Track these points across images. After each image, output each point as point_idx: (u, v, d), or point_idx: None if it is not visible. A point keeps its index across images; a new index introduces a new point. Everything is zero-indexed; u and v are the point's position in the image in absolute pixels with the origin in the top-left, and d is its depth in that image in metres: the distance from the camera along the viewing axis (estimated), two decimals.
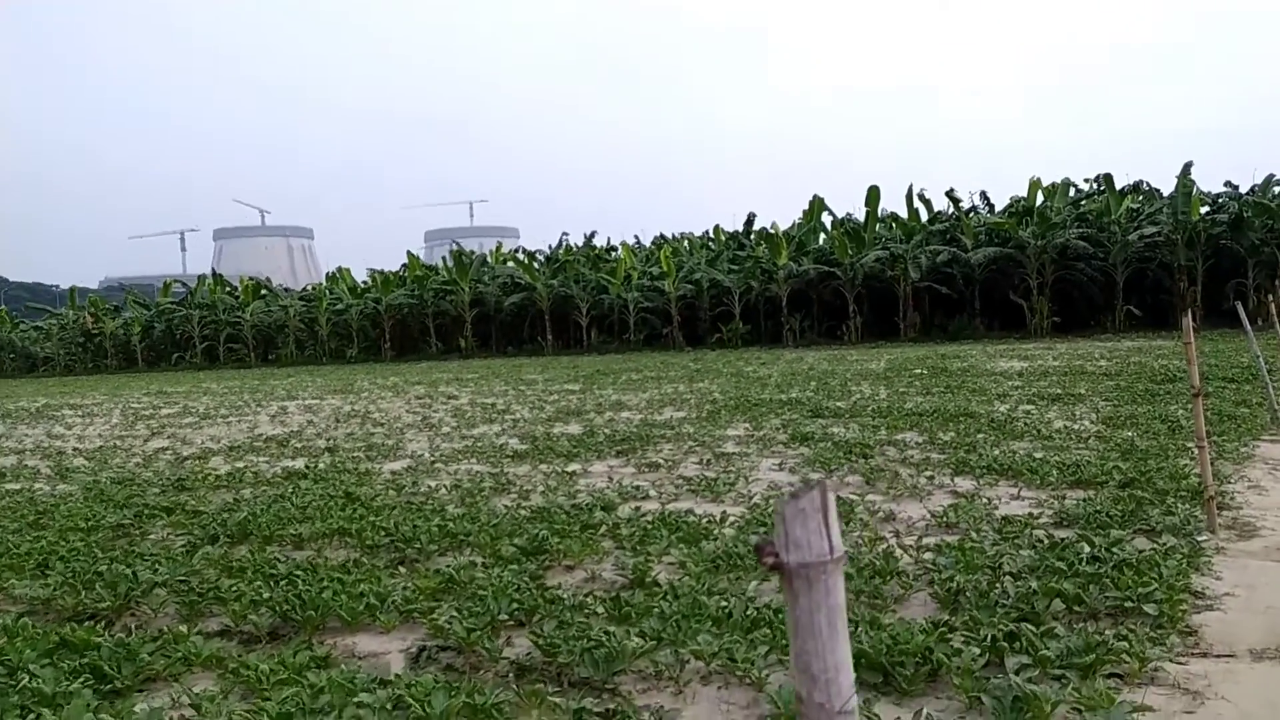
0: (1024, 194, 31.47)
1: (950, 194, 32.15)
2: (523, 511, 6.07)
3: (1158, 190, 30.01)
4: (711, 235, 37.48)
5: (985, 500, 6.19)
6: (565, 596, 4.12)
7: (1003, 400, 12.44)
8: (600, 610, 3.93)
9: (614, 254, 39.31)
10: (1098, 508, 5.65)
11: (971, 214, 32.35)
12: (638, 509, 6.07)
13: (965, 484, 6.81)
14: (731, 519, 5.71)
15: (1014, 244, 28.88)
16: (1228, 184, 29.46)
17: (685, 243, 38.82)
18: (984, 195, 33.44)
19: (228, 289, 44.18)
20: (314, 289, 42.18)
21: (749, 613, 3.74)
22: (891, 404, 12.34)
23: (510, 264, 37.65)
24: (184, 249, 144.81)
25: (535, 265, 37.26)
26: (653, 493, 6.79)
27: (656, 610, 3.82)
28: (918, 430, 9.75)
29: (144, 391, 24.27)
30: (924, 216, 32.83)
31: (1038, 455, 7.82)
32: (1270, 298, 16.44)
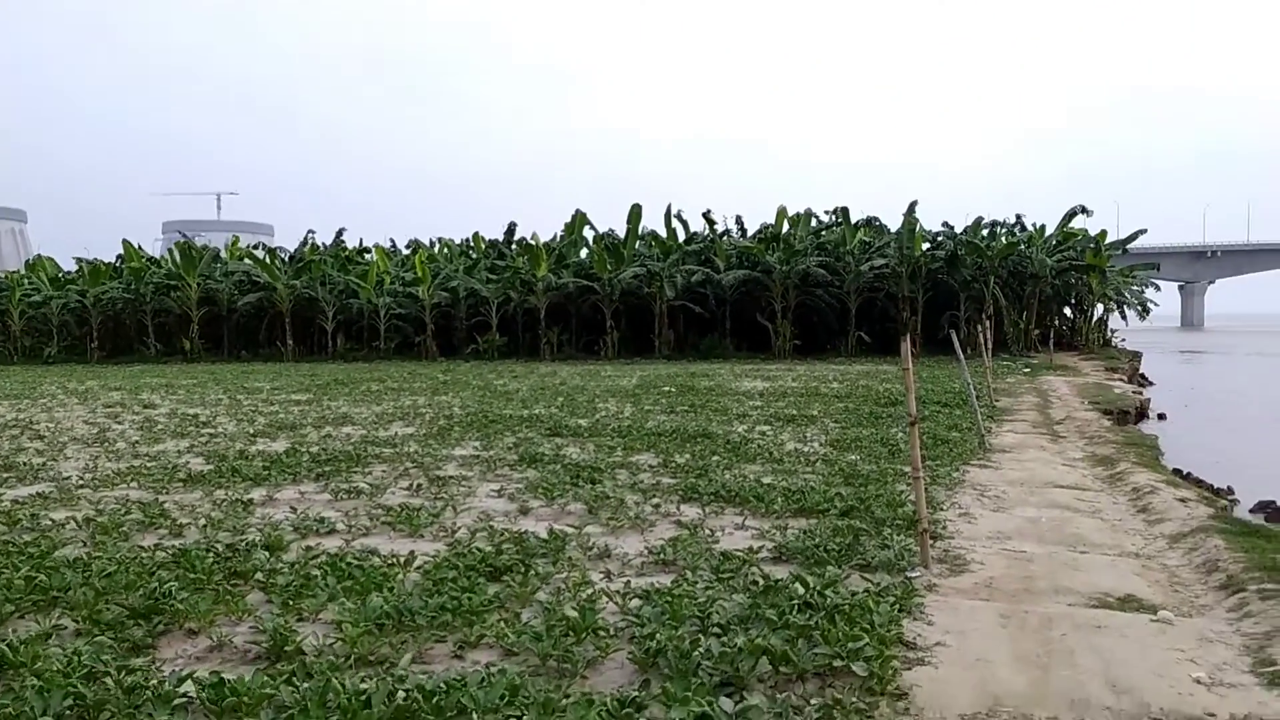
0: (773, 221, 32.97)
1: (706, 215, 33.09)
2: (160, 554, 4.88)
3: (886, 226, 32.46)
4: (471, 243, 36.29)
5: (708, 532, 5.77)
6: (154, 683, 3.10)
7: (742, 420, 12.46)
8: (196, 699, 2.96)
9: (367, 256, 37.09)
10: (817, 540, 5.36)
11: (725, 237, 33.45)
12: (311, 549, 5.08)
13: (692, 512, 6.38)
14: (422, 560, 4.87)
15: (762, 268, 30.09)
16: (945, 224, 32.39)
17: (444, 249, 37.34)
18: (739, 220, 34.74)
19: None
20: (7, 276, 36.44)
21: (394, 699, 2.92)
22: (634, 422, 11.98)
23: (247, 260, 34.42)
24: None
25: (276, 264, 34.32)
26: (341, 525, 5.80)
27: (271, 700, 2.91)
28: (654, 451, 9.38)
29: None
30: (682, 236, 33.54)
31: (767, 480, 7.61)
32: (979, 329, 17.96)
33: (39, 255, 37.57)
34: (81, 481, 7.37)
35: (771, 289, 29.90)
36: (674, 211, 33.22)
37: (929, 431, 10.94)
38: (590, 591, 4.35)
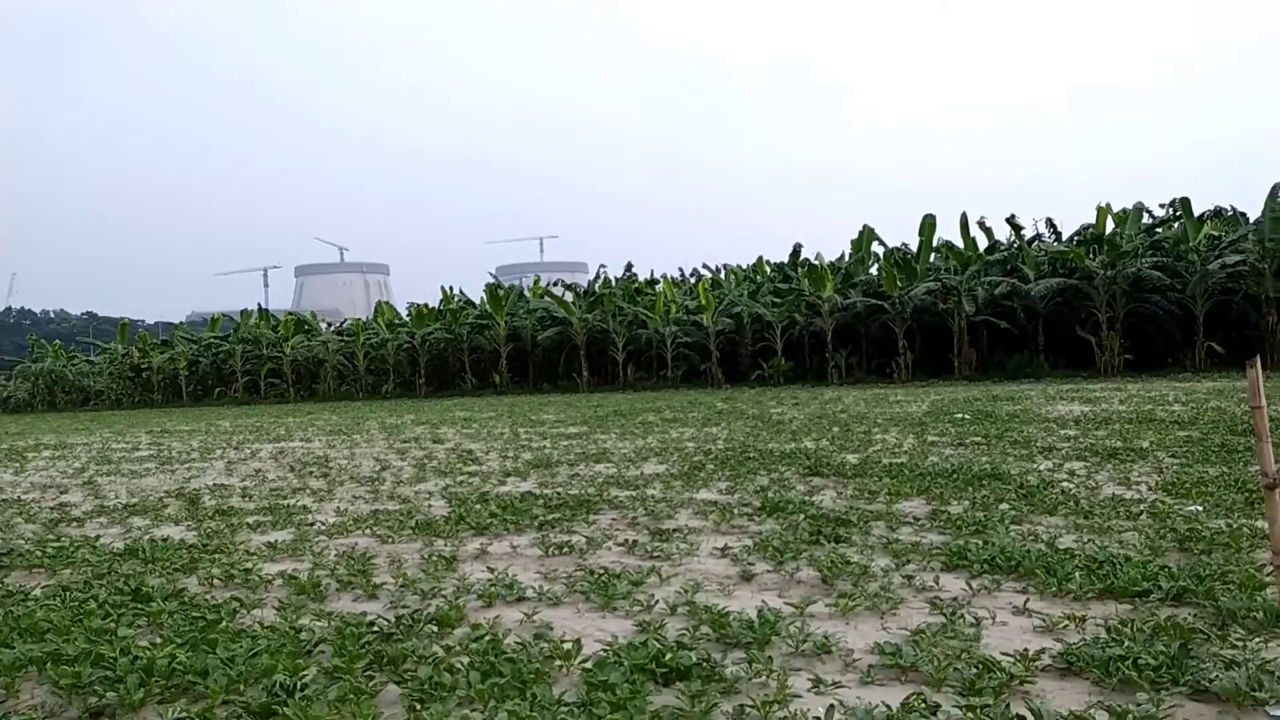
0: (1093, 221, 29.05)
1: (1011, 220, 29.95)
2: (319, 627, 4.51)
3: (1243, 215, 27.32)
4: (754, 267, 35.75)
5: (971, 619, 4.43)
6: None
7: (1047, 455, 10.49)
8: None
9: (657, 287, 37.88)
10: (1127, 643, 3.86)
11: (1035, 243, 30.04)
12: (481, 626, 4.47)
13: (955, 586, 5.03)
14: (594, 648, 4.07)
15: (1080, 275, 26.52)
16: None
17: (729, 275, 37.16)
18: (1050, 222, 31.10)
19: (273, 324, 44.02)
20: (354, 324, 41.64)
21: None
22: (912, 459, 10.49)
23: (547, 298, 36.46)
24: (266, 284, 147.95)
25: (571, 299, 36.02)
26: (532, 591, 5.18)
27: None
28: (927, 497, 7.94)
29: (150, 429, 23.56)
30: (983, 245, 30.62)
31: (1066, 542, 5.99)
32: None
33: (379, 301, 42.49)
34: (324, 528, 7.47)
35: (1094, 297, 26.22)
36: (973, 219, 30.46)
37: None
38: (784, 715, 3.30)
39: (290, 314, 43.06)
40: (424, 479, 10.43)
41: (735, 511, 7.41)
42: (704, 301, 31.59)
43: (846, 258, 33.61)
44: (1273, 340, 24.51)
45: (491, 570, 5.63)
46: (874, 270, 31.73)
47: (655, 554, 6.01)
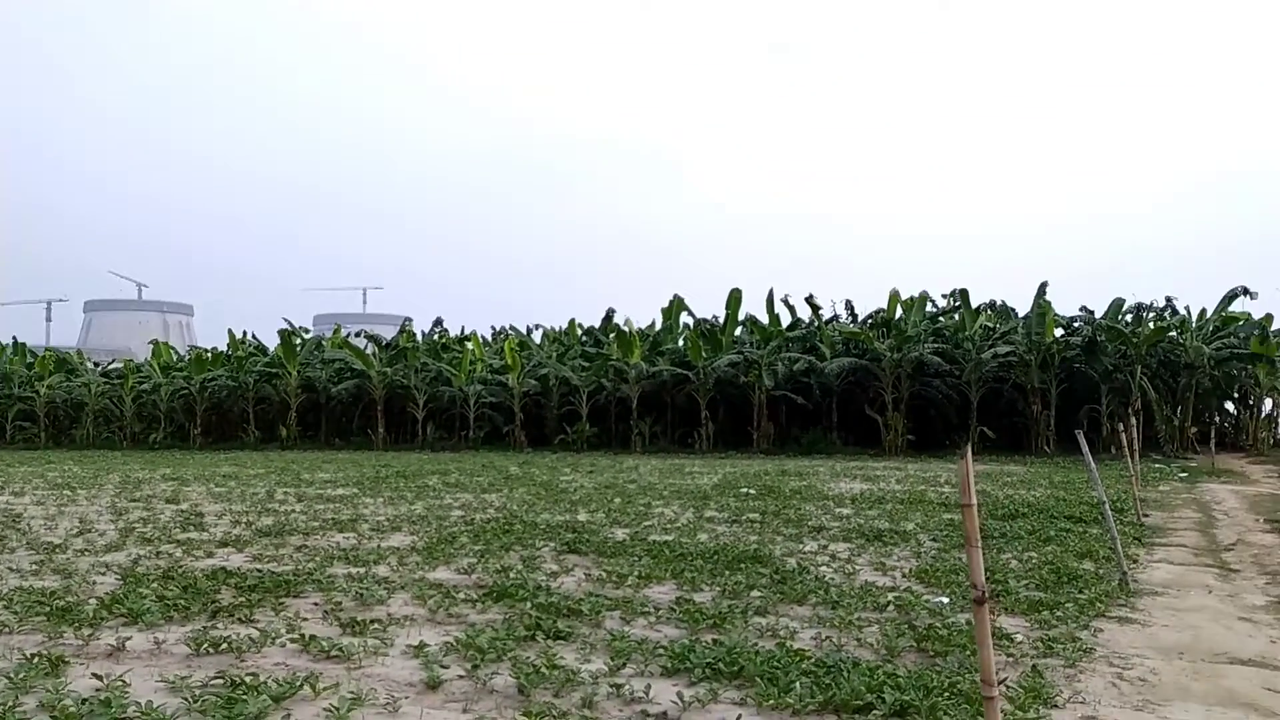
0: (884, 306, 30.57)
1: (810, 300, 31.05)
2: None
3: (1013, 309, 29.53)
4: (566, 330, 35.30)
5: None
6: None
7: (816, 536, 10.25)
8: None
9: (466, 344, 36.62)
10: None
11: (832, 323, 31.22)
12: None
13: (669, 696, 4.36)
14: None
15: (870, 356, 27.65)
16: (1083, 308, 29.22)
17: (544, 336, 36.51)
18: (849, 305, 32.44)
19: (28, 360, 39.23)
20: (124, 365, 37.70)
21: None
22: (681, 536, 9.97)
23: (345, 349, 34.38)
24: (49, 319, 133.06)
25: (373, 351, 34.16)
26: (135, 710, 4.06)
27: None
28: (679, 581, 7.35)
29: None
30: (786, 322, 31.54)
31: (802, 641, 5.49)
32: (1121, 426, 15.14)
33: (156, 341, 38.81)
34: None
35: (882, 378, 27.34)
36: (778, 296, 31.37)
37: (1051, 562, 8.48)
38: None
39: (49, 350, 38.51)
40: (120, 547, 8.87)
41: (460, 596, 6.50)
42: (510, 362, 30.71)
43: (657, 326, 33.82)
44: (1036, 428, 26.35)
45: (101, 678, 4.44)
46: (682, 340, 31.99)
47: (334, 654, 5.01)
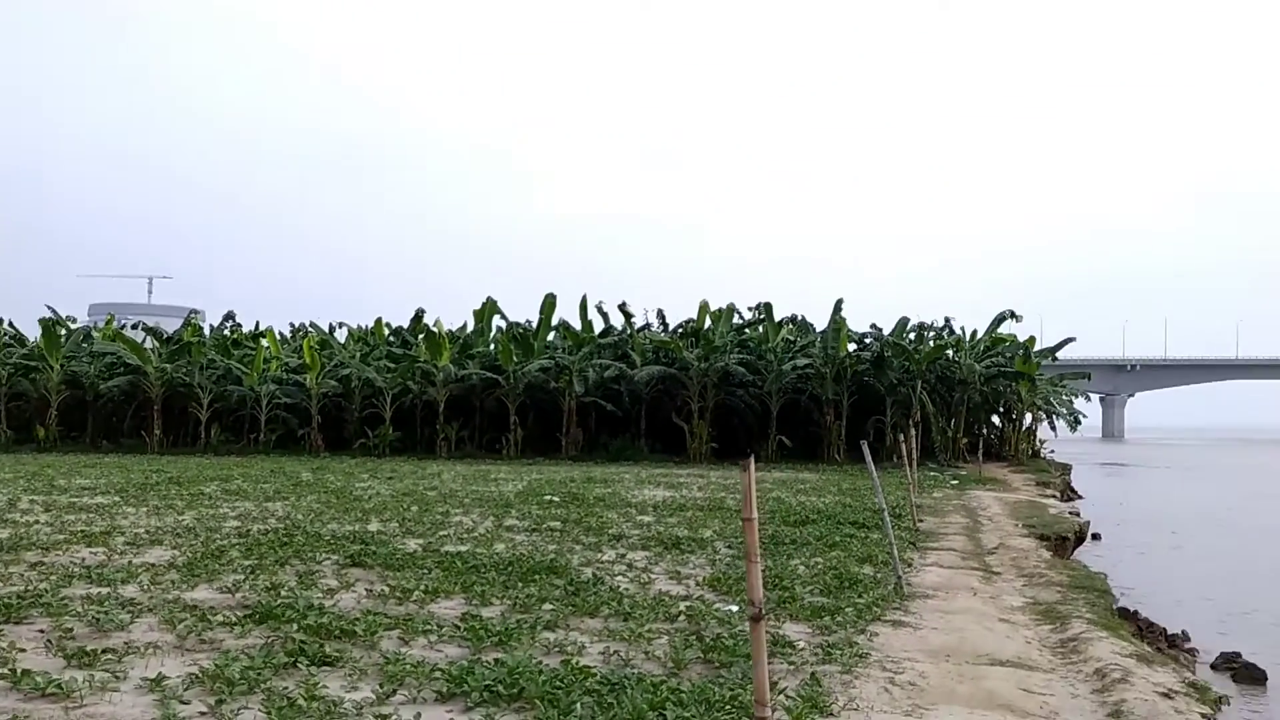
0: (694, 316, 31.31)
1: (623, 308, 31.31)
2: None
3: (811, 324, 31.06)
4: (372, 329, 33.82)
5: None
6: None
7: (616, 544, 10.18)
8: None
9: (261, 341, 34.30)
10: None
11: (644, 331, 31.65)
12: None
13: None
14: None
15: (679, 365, 28.23)
16: (873, 325, 31.14)
17: (344, 334, 34.80)
18: (660, 314, 33.00)
19: None
20: None
21: None
22: (477, 546, 9.61)
23: (119, 341, 31.30)
24: None
25: (152, 345, 31.35)
26: None
27: None
28: (468, 595, 7.02)
29: None
30: (598, 329, 31.66)
31: (590, 656, 5.34)
32: (902, 437, 16.17)
33: None
34: None
35: (689, 387, 27.97)
36: (593, 302, 31.41)
37: (835, 567, 8.80)
38: None
39: None
40: None
41: (218, 619, 5.88)
42: (309, 361, 29.02)
43: (469, 328, 33.07)
44: (829, 437, 27.80)
45: None
46: (493, 344, 31.40)
47: (50, 691, 4.34)
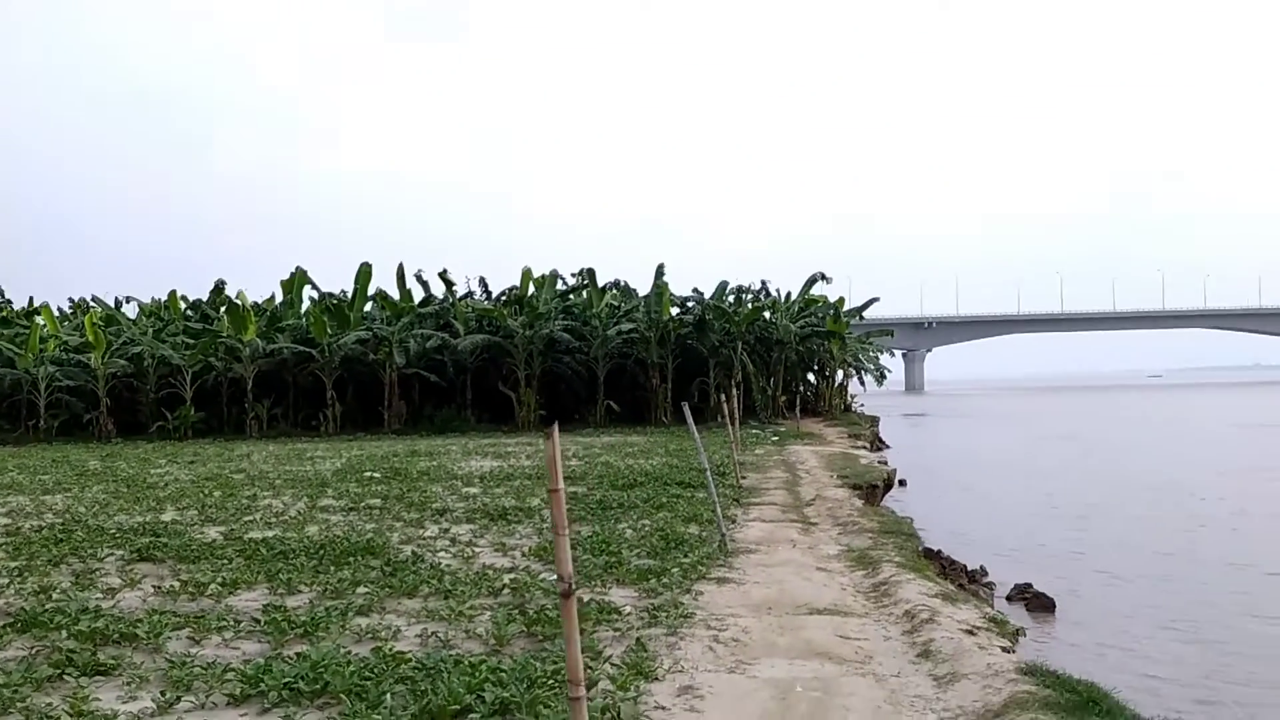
0: (518, 283, 30.81)
1: (444, 276, 30.38)
2: None
3: (634, 289, 31.30)
4: (166, 303, 31.16)
5: None
6: None
7: (439, 519, 9.80)
8: None
9: (36, 318, 30.90)
10: None
11: (466, 299, 30.86)
12: None
13: None
14: None
15: (504, 333, 27.74)
16: (694, 290, 31.73)
17: (134, 309, 31.94)
18: (482, 281, 32.26)
19: None
20: None
21: None
22: (287, 530, 8.99)
23: None
24: None
25: None
26: None
27: None
28: (273, 585, 6.49)
29: None
30: (418, 299, 30.58)
31: (408, 636, 5.04)
32: (724, 397, 16.55)
33: None
34: None
35: (515, 355, 27.56)
36: (411, 271, 30.27)
37: (662, 529, 8.83)
38: None
39: None
40: None
41: None
42: (93, 339, 26.39)
43: (278, 300, 31.12)
44: (656, 400, 28.20)
45: None
46: (305, 316, 29.70)
47: None
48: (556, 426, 2.78)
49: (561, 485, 2.80)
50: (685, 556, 7.53)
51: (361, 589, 6.36)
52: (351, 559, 7.36)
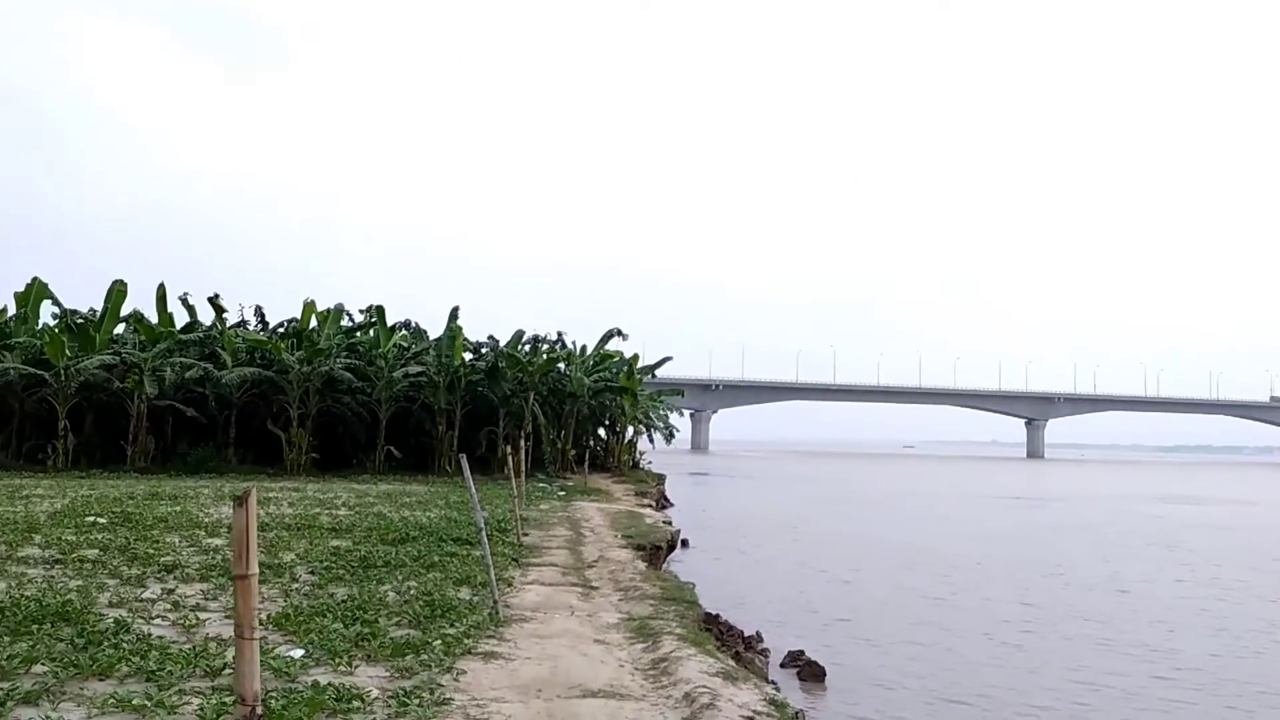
0: (298, 315, 28.75)
1: (215, 300, 27.88)
2: None
3: (425, 331, 30.10)
4: None
5: None
6: None
7: (165, 576, 8.46)
8: None
9: None
10: None
11: (239, 328, 28.41)
12: None
13: None
14: None
15: (278, 368, 25.64)
16: (490, 336, 30.98)
17: None
18: (259, 310, 29.87)
19: None
20: None
21: None
22: None
23: None
24: None
25: None
26: None
27: None
28: None
29: None
30: (182, 323, 27.81)
31: None
32: (509, 449, 15.88)
33: None
34: None
35: (288, 392, 25.49)
36: (175, 293, 27.52)
37: (430, 592, 8.01)
38: None
39: None
40: None
41: None
42: None
43: (10, 313, 27.29)
44: (441, 448, 26.94)
45: None
46: (43, 334, 26.17)
47: None
48: (254, 493, 2.10)
49: (254, 570, 2.11)
50: (451, 626, 6.78)
51: (39, 667, 5.15)
52: (37, 626, 6.04)
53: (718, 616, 11.64)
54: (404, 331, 29.55)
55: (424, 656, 5.84)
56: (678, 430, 37.33)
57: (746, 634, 11.06)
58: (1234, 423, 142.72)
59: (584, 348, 32.16)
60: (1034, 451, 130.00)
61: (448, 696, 5.06)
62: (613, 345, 32.17)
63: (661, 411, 35.40)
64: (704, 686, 5.40)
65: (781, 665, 10.17)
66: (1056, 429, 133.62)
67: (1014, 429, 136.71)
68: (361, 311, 29.56)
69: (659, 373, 37.20)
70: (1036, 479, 64.77)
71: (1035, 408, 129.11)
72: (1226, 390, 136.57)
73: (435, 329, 29.39)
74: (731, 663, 6.70)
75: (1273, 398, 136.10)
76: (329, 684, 5.05)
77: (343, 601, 7.44)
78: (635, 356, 32.39)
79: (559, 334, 31.85)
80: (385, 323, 28.24)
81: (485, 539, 7.71)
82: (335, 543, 11.21)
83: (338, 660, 5.65)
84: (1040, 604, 14.33)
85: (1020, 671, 10.22)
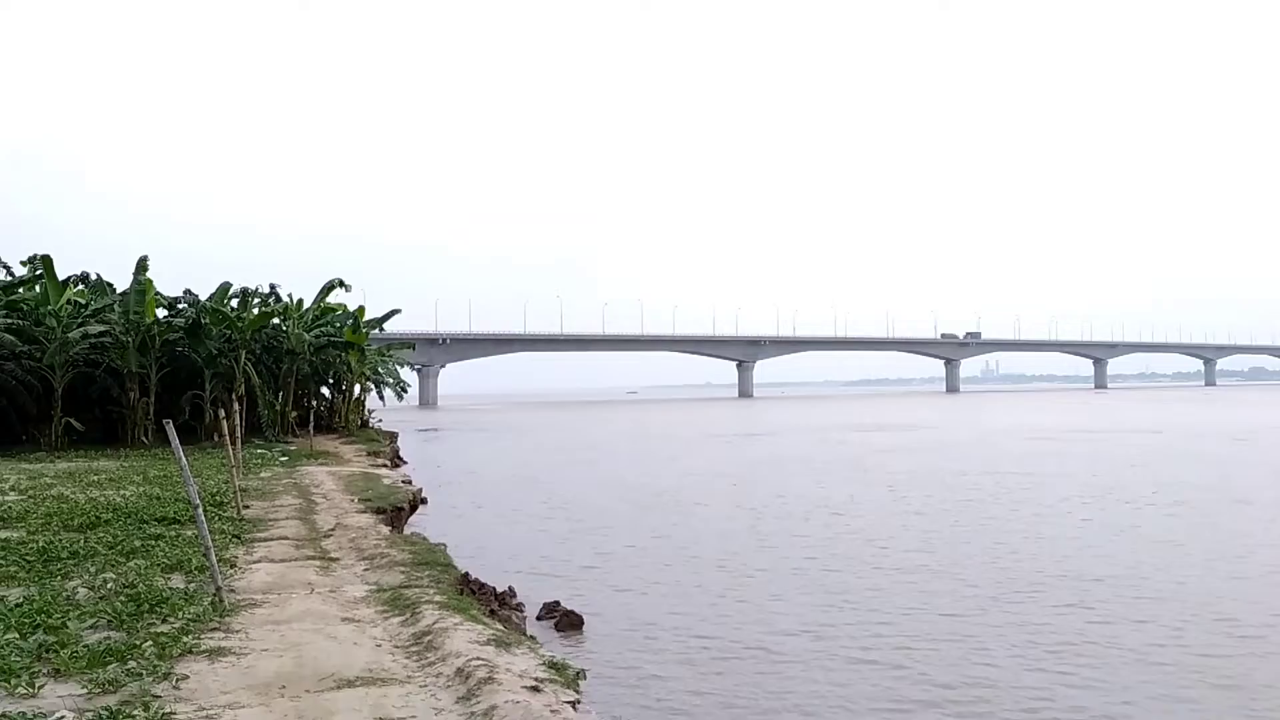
0: None
1: None
2: None
3: (110, 284, 26.25)
4: None
5: None
6: None
7: None
8: None
9: None
10: None
11: None
12: None
13: None
14: None
15: None
16: (187, 290, 27.65)
17: None
18: None
19: None
20: None
21: None
22: None
23: None
24: None
25: None
26: None
27: None
28: None
29: None
30: None
31: None
32: (223, 413, 14.16)
33: None
34: None
35: None
36: None
37: (133, 584, 6.79)
38: None
39: None
40: None
41: None
42: None
43: None
44: (135, 417, 23.77)
45: None
46: None
47: None
48: None
49: None
50: (165, 622, 5.75)
51: None
52: None
53: (467, 574, 11.15)
54: (80, 286, 25.60)
55: (132, 664, 4.85)
56: (409, 386, 35.78)
57: (499, 590, 10.68)
58: (907, 358, 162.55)
59: (301, 302, 29.71)
60: (745, 391, 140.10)
61: (167, 710, 4.19)
62: (335, 298, 30.03)
63: (391, 366, 33.69)
64: (477, 658, 4.91)
65: (538, 618, 9.91)
66: (763, 370, 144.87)
67: (727, 371, 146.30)
68: (22, 263, 25.18)
69: (387, 327, 35.39)
70: (750, 416, 69.76)
71: (745, 350, 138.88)
72: (900, 330, 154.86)
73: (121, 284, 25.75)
74: (502, 629, 6.24)
75: (943, 335, 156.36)
76: (2, 714, 3.99)
77: (18, 605, 6.09)
78: (361, 309, 30.41)
79: (272, 286, 29.20)
80: (55, 276, 24.21)
81: (201, 515, 6.62)
82: (3, 534, 9.35)
83: (14, 682, 4.52)
84: (769, 533, 15.19)
85: (762, 598, 10.69)
